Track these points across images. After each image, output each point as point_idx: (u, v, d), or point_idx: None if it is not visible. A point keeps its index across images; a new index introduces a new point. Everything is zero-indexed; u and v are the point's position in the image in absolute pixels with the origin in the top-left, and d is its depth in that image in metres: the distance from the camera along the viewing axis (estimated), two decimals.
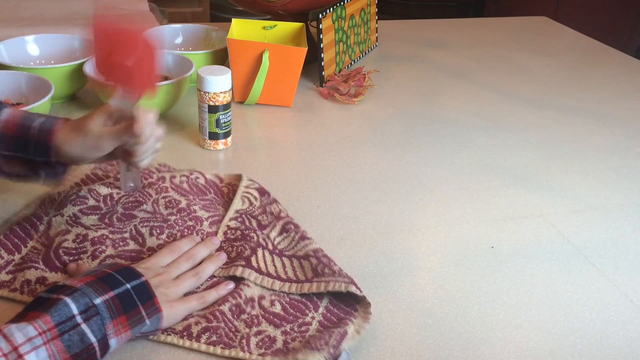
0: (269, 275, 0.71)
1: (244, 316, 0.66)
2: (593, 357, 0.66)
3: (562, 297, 0.74)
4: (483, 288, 0.74)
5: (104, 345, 0.57)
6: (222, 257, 0.73)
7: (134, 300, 0.60)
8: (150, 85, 0.72)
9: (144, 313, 0.60)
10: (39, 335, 0.54)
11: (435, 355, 0.65)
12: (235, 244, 0.75)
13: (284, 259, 0.73)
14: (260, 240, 0.75)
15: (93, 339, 0.56)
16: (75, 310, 0.56)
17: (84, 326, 0.56)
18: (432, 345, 0.66)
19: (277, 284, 0.70)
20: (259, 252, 0.73)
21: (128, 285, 0.60)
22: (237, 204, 0.82)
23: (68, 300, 0.56)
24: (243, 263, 0.71)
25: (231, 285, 0.69)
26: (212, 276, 0.71)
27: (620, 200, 0.94)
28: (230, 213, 0.80)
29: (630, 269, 0.80)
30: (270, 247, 0.75)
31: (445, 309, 0.71)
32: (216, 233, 0.77)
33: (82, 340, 0.55)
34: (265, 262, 0.73)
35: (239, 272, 0.70)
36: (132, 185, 0.81)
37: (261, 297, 0.69)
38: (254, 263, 0.72)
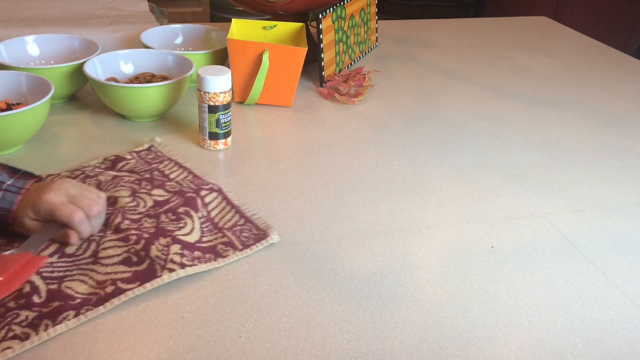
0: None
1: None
2: (593, 356, 0.66)
3: (562, 297, 0.74)
4: (483, 288, 0.74)
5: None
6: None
7: None
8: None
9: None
10: None
11: (435, 354, 0.65)
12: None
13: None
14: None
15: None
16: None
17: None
18: (432, 345, 0.66)
19: None
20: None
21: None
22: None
23: None
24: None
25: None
26: None
27: (620, 200, 0.94)
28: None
29: (630, 268, 0.80)
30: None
31: (445, 309, 0.71)
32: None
33: None
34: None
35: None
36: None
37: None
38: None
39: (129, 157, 0.94)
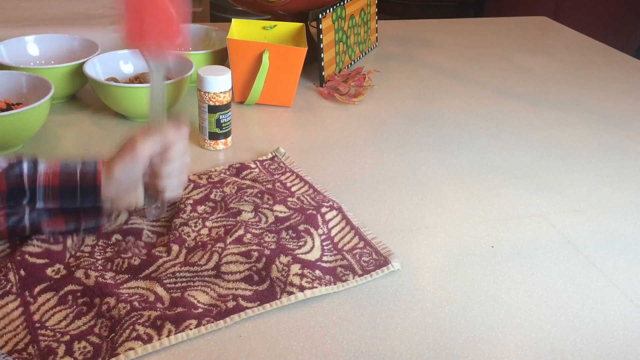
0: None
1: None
2: (593, 356, 0.66)
3: (562, 297, 0.74)
4: (483, 288, 0.74)
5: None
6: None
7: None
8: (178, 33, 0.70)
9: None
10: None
11: (435, 354, 0.65)
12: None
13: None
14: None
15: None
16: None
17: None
18: (432, 345, 0.66)
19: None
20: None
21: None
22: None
23: None
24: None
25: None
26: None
27: (620, 200, 0.94)
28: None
29: (630, 268, 0.80)
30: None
31: (446, 309, 0.71)
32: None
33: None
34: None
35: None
36: (156, 209, 0.80)
37: None
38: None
39: (252, 165, 0.94)
